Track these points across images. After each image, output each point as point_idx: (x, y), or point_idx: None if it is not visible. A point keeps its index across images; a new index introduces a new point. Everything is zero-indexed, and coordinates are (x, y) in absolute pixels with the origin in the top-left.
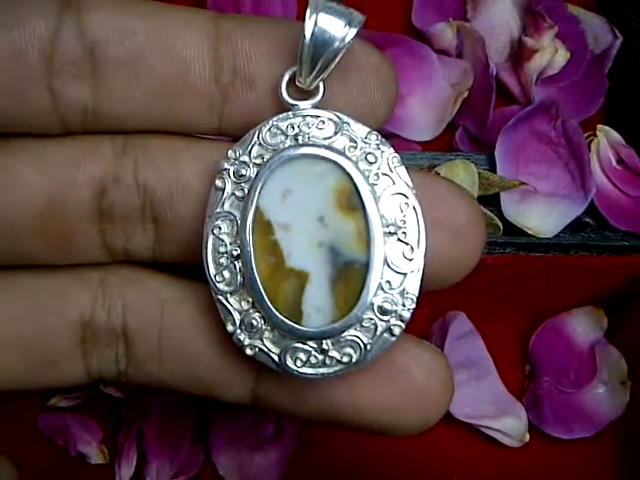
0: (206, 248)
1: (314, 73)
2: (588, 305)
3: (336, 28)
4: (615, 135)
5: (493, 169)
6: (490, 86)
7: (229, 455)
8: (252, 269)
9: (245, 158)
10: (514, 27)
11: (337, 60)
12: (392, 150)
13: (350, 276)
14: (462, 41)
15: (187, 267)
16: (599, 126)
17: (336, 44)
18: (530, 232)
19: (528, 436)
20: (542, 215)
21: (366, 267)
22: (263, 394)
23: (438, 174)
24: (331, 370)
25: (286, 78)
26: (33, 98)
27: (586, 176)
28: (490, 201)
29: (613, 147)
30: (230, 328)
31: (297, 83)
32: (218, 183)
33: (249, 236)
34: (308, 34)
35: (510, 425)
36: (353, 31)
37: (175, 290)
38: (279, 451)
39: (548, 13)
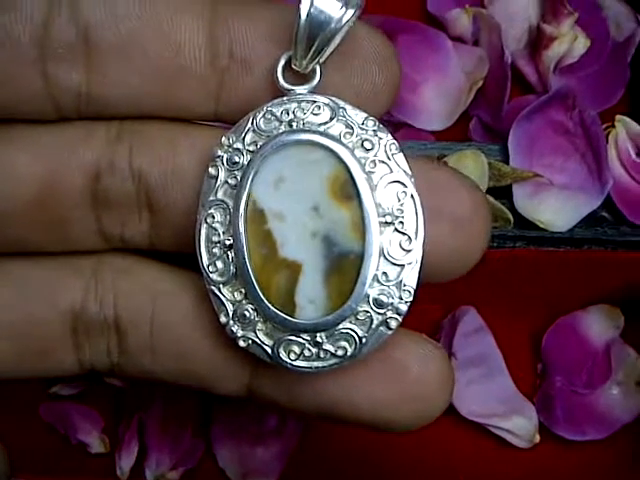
0: (199, 237)
1: (310, 55)
2: (604, 303)
3: (333, 8)
4: (635, 126)
5: (507, 160)
6: (505, 75)
7: (230, 447)
8: (244, 259)
9: (239, 145)
10: (532, 14)
11: (335, 42)
12: (390, 137)
13: (345, 267)
14: (478, 28)
15: (185, 256)
16: (618, 116)
17: (333, 25)
18: (542, 226)
19: (538, 437)
20: (556, 209)
21: (361, 258)
22: (258, 387)
23: (445, 164)
24: (325, 364)
25: (282, 62)
26: (26, 83)
27: (603, 168)
28: (502, 193)
29: (632, 138)
30: (223, 319)
31: (293, 66)
32: (211, 171)
33: (242, 225)
34: (304, 14)
35: (520, 425)
36: (350, 12)
37: (169, 281)
38: (281, 444)
39: None
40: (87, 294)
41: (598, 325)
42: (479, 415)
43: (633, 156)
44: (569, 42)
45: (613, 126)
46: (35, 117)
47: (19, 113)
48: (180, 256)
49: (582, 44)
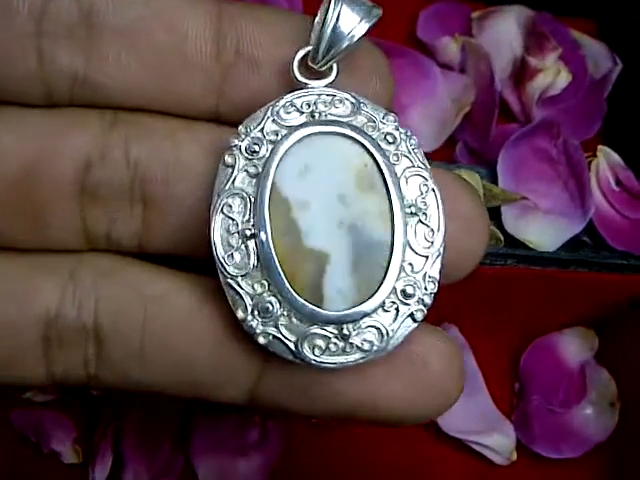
0: (213, 228)
1: (328, 57)
2: (580, 325)
3: (356, 20)
4: (615, 157)
5: (494, 183)
6: (494, 101)
7: (210, 460)
8: (270, 249)
9: (258, 134)
10: (517, 46)
11: (351, 49)
12: (409, 132)
13: (372, 257)
14: (466, 57)
15: (176, 259)
16: (599, 147)
17: (353, 35)
18: (531, 246)
19: (516, 454)
20: (541, 231)
21: (389, 248)
22: (265, 392)
23: None
24: (351, 358)
25: (299, 56)
26: (19, 58)
27: (585, 195)
28: (491, 214)
29: (612, 168)
30: (241, 315)
31: (309, 63)
32: (228, 159)
33: (265, 214)
34: (332, 21)
35: (498, 442)
36: (369, 25)
37: (161, 284)
38: (263, 458)
39: (552, 35)
40: (64, 298)
41: (573, 346)
42: (459, 431)
43: (613, 185)
44: (553, 75)
45: (594, 156)
46: (25, 99)
47: (9, 93)
48: (171, 260)
49: (564, 78)
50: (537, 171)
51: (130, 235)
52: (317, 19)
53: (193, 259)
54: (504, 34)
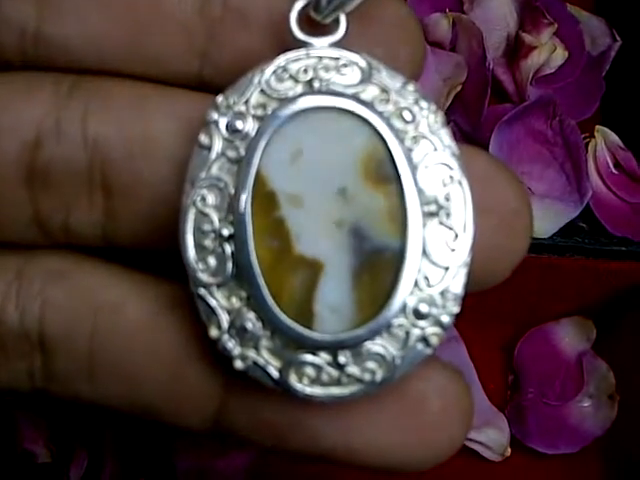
0: (185, 225)
1: (334, 3)
2: (577, 315)
3: None
4: (613, 137)
5: None
6: (486, 80)
7: (190, 459)
8: (249, 255)
9: (241, 108)
10: (511, 23)
11: None
12: (434, 106)
13: (378, 267)
14: (457, 34)
15: (148, 256)
16: (597, 127)
17: None
18: None
19: (509, 450)
20: (536, 216)
21: (399, 256)
22: (228, 424)
23: None
24: (347, 391)
25: (298, 7)
26: None
27: (582, 178)
28: None
29: (610, 150)
30: (214, 333)
31: (312, 14)
32: (203, 139)
33: (246, 211)
34: None
35: (492, 437)
36: None
37: (117, 288)
38: (243, 458)
39: (547, 10)
40: (7, 300)
41: (570, 337)
42: None
43: (611, 168)
44: (548, 52)
45: (592, 136)
46: None
47: None
48: (143, 256)
49: (560, 55)
50: (531, 153)
51: (91, 227)
52: None
53: (165, 260)
54: (497, 10)
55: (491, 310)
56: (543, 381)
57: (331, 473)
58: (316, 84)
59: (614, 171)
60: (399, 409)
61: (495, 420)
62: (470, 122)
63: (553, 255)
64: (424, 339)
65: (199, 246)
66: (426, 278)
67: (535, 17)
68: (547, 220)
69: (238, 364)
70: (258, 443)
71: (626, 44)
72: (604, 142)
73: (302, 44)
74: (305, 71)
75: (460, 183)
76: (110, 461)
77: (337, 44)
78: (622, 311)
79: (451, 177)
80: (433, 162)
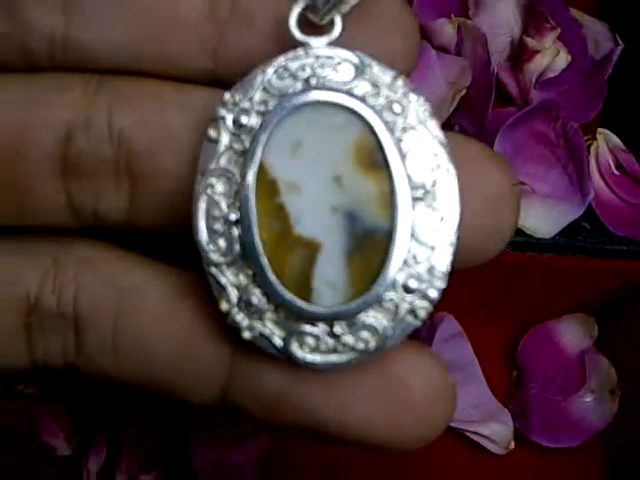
0: (197, 211)
1: (330, 5)
2: (579, 312)
3: None
4: (615, 139)
5: None
6: (490, 84)
7: (205, 451)
8: (253, 236)
9: (246, 104)
10: (515, 27)
11: None
12: (422, 99)
13: (370, 247)
14: (462, 39)
15: (168, 241)
16: (599, 129)
17: None
18: (528, 232)
19: (513, 443)
20: (539, 216)
21: (389, 237)
22: (234, 399)
23: None
24: (344, 358)
25: (296, 10)
26: None
27: (585, 179)
28: None
29: (612, 152)
30: (224, 307)
31: (309, 15)
32: (212, 133)
33: (251, 197)
34: None
35: (496, 431)
36: None
37: (139, 275)
38: (257, 448)
39: (550, 15)
40: (45, 285)
41: (572, 334)
42: (456, 420)
43: (613, 169)
44: (551, 56)
45: (594, 139)
46: (4, 64)
47: None
48: (164, 244)
49: (563, 59)
50: (535, 155)
51: (118, 211)
52: None
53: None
54: (502, 14)
55: (496, 308)
56: (546, 377)
57: (343, 465)
58: (313, 81)
59: (616, 172)
60: (383, 391)
61: (499, 414)
62: (475, 125)
63: (556, 254)
64: (413, 312)
65: (210, 229)
66: (414, 257)
67: (538, 22)
68: (550, 220)
69: (246, 334)
70: (258, 417)
71: (628, 48)
72: (606, 144)
73: (301, 44)
74: (303, 69)
75: (447, 169)
76: (127, 454)
77: (333, 43)
78: (623, 309)
79: (438, 164)
80: (421, 150)
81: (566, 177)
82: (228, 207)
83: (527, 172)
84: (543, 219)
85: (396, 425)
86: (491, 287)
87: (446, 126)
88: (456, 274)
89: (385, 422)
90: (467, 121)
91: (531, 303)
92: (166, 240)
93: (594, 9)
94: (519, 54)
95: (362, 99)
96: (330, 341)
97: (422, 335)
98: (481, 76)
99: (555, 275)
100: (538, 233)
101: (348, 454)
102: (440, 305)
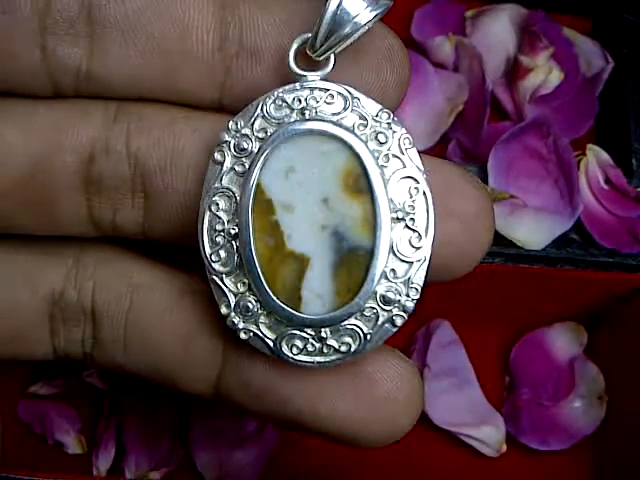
0: (202, 225)
1: (327, 44)
2: (569, 321)
3: (361, 7)
4: (604, 155)
5: (484, 181)
6: (485, 100)
7: (209, 451)
8: (250, 250)
9: (247, 131)
10: (510, 46)
11: (354, 38)
12: (404, 130)
13: (353, 263)
14: (459, 56)
15: (177, 249)
16: (589, 145)
17: (357, 22)
18: (519, 244)
19: (505, 446)
20: (530, 229)
21: (371, 254)
22: (224, 389)
23: None
24: (328, 359)
25: (295, 47)
26: (24, 55)
27: (574, 193)
28: None
29: (601, 167)
30: (224, 310)
31: (307, 51)
32: (217, 156)
33: (248, 215)
34: (333, 6)
35: (488, 434)
36: (375, 12)
37: (148, 275)
38: (260, 449)
39: (544, 34)
40: (67, 281)
41: (563, 341)
42: (450, 424)
43: (602, 184)
44: (545, 74)
45: (584, 154)
46: (30, 92)
47: (14, 87)
48: (172, 250)
49: (556, 76)
50: (527, 169)
51: (134, 224)
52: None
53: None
54: (497, 33)
55: (489, 317)
56: (537, 382)
57: (342, 468)
58: (307, 112)
59: (604, 187)
60: (354, 386)
61: (492, 418)
62: (471, 139)
63: (546, 266)
64: (391, 320)
65: (213, 242)
66: (393, 271)
67: (532, 41)
68: (541, 232)
69: (242, 335)
70: (247, 410)
71: (619, 66)
72: (595, 160)
73: (298, 77)
74: (299, 101)
75: (424, 193)
76: (134, 451)
77: (326, 77)
78: (611, 317)
79: (416, 188)
80: (402, 176)
81: (557, 191)
82: (228, 222)
83: (519, 186)
84: (534, 231)
85: (364, 419)
86: (485, 296)
87: (443, 140)
88: (452, 285)
89: (354, 415)
90: (463, 135)
91: (523, 312)
92: (175, 247)
93: (587, 28)
94: (514, 71)
95: (351, 130)
96: (316, 344)
97: (419, 341)
98: (477, 92)
99: (546, 285)
100: (529, 245)
101: (347, 457)
102: (436, 313)
